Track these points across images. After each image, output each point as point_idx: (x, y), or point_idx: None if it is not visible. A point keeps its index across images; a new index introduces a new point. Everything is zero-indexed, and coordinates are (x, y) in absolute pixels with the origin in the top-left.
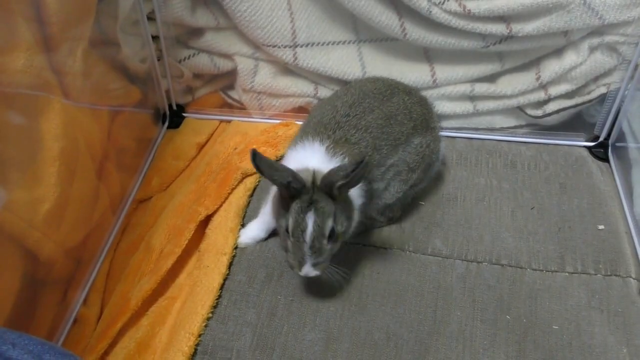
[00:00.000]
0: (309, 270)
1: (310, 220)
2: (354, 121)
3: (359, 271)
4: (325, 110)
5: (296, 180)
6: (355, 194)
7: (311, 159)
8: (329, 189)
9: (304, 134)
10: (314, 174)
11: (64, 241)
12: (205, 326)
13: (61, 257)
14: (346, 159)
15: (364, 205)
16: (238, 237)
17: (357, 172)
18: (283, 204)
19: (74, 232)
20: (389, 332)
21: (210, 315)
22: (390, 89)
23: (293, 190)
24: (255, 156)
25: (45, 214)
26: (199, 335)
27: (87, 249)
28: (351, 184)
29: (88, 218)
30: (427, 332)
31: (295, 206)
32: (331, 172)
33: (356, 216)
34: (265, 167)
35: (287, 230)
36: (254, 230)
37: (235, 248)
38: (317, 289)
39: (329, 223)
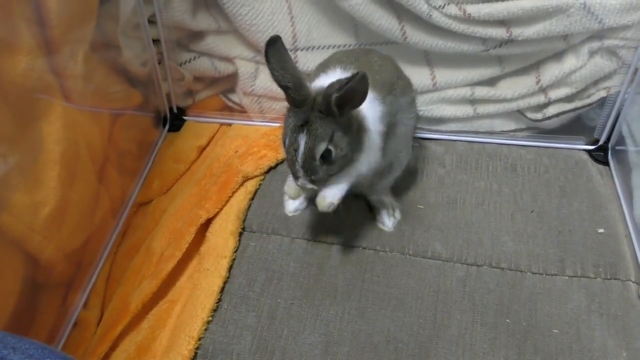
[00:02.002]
0: (304, 182)
1: (302, 141)
2: (372, 53)
3: (358, 274)
4: (340, 55)
5: (296, 90)
6: (375, 123)
7: None
8: (327, 104)
9: (324, 67)
10: (319, 91)
11: (65, 244)
12: (206, 329)
13: (61, 260)
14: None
15: (386, 136)
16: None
17: (351, 84)
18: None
19: (75, 235)
20: (388, 336)
21: (210, 318)
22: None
23: (292, 99)
24: (276, 41)
25: (46, 217)
26: (199, 339)
27: (88, 252)
28: (348, 99)
29: (88, 221)
30: (427, 335)
31: (290, 124)
32: (328, 86)
33: (373, 149)
34: (275, 59)
35: (284, 144)
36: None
37: (236, 251)
38: (317, 292)
39: (321, 146)
